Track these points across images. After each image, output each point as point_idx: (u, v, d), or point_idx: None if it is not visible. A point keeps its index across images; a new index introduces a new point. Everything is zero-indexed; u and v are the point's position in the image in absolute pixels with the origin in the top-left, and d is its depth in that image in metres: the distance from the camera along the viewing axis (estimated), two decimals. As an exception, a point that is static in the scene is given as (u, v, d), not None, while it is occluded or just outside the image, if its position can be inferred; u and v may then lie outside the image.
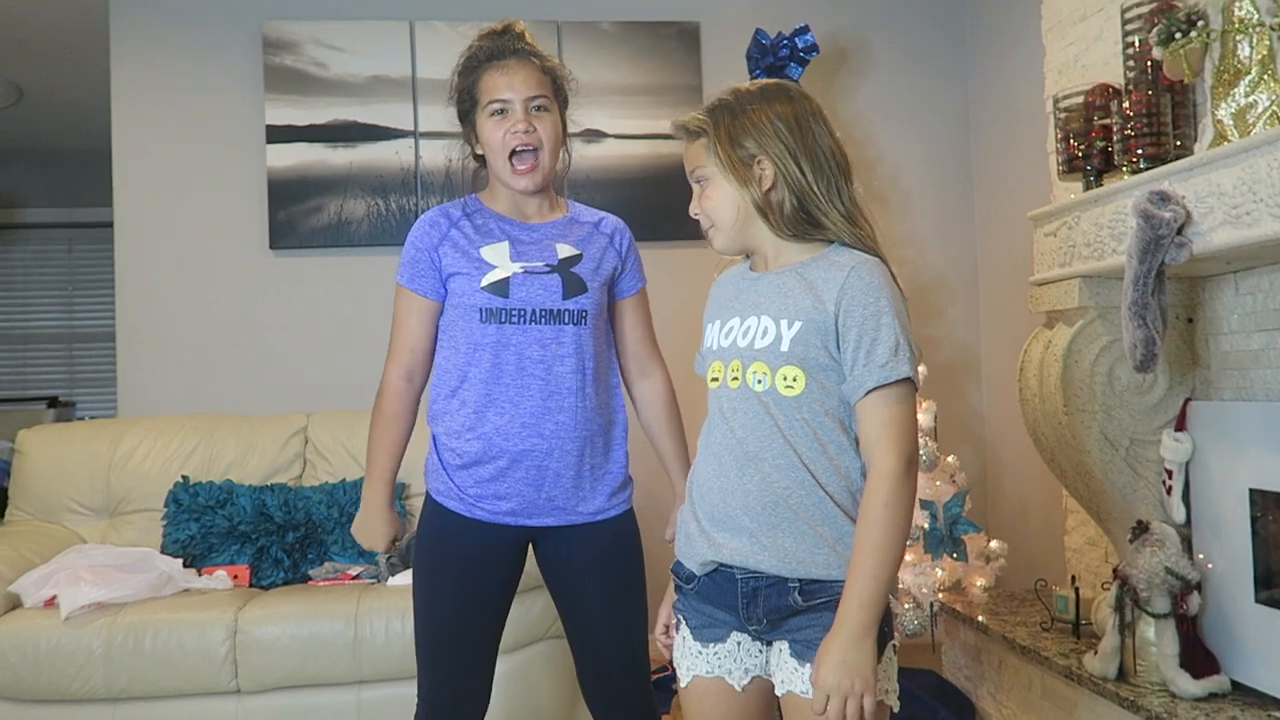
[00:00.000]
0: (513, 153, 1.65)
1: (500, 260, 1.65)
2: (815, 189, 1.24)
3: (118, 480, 2.88)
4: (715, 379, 1.30)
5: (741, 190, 1.26)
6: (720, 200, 1.29)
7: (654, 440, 1.82)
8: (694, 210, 1.33)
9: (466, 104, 1.71)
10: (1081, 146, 2.40)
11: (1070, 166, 2.45)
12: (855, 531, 1.17)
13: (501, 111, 1.65)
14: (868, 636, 1.12)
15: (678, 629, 1.34)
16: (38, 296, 5.76)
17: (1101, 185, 2.35)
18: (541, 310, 1.63)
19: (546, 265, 1.66)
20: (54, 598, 2.35)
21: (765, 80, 1.33)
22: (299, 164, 3.43)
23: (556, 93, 1.71)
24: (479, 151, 1.73)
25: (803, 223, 1.26)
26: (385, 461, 1.73)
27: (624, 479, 1.75)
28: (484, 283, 1.63)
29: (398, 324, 1.73)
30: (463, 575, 1.66)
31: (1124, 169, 2.23)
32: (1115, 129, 2.25)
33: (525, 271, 1.64)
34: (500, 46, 1.67)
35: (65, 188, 5.60)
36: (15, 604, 2.39)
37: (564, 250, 1.69)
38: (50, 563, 2.51)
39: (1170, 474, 2.26)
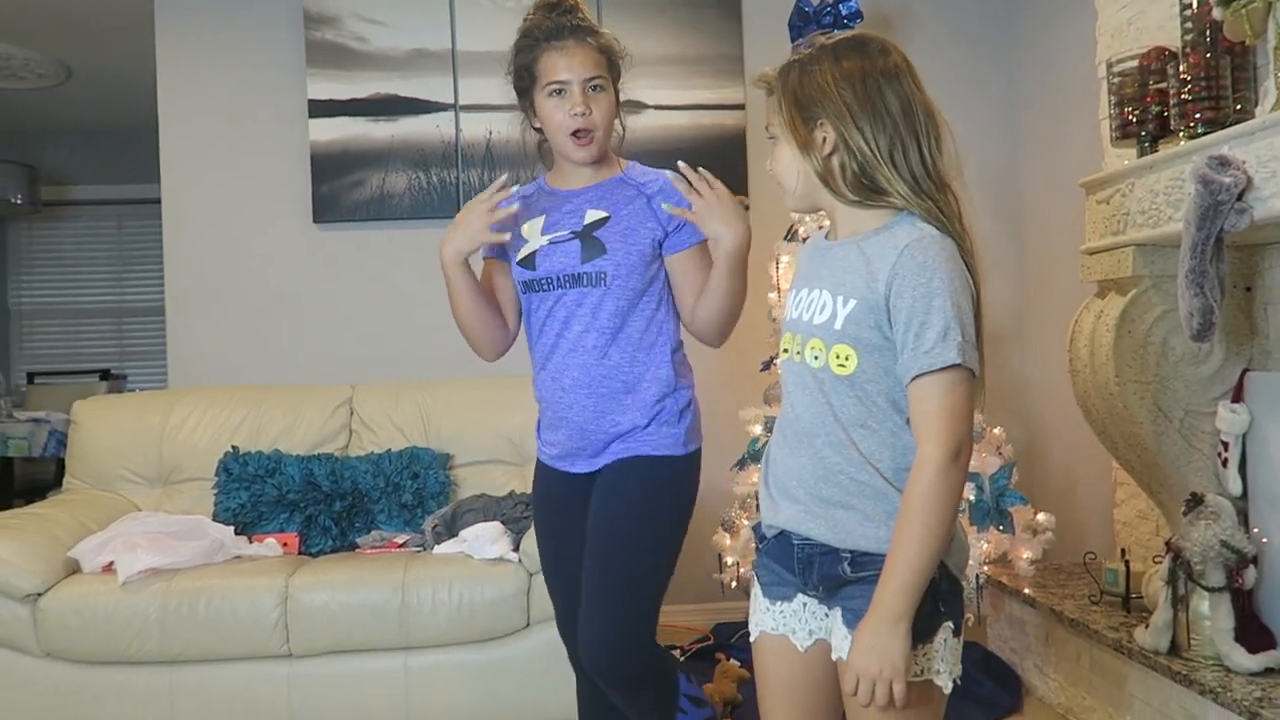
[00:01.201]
0: (573, 132, 1.72)
1: (533, 235, 1.76)
2: (878, 154, 1.19)
3: (170, 450, 2.94)
4: (785, 350, 1.29)
5: (803, 156, 1.23)
6: (785, 163, 1.26)
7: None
8: (768, 168, 1.31)
9: (525, 81, 1.77)
10: (1136, 112, 2.34)
11: (1124, 132, 2.39)
12: (897, 517, 1.16)
13: (560, 92, 1.71)
14: (900, 623, 1.12)
15: (753, 585, 1.35)
16: (89, 272, 5.88)
17: (1157, 151, 2.29)
18: (564, 276, 1.72)
19: (570, 232, 1.73)
20: (111, 563, 2.41)
21: (848, 33, 1.28)
22: (340, 138, 3.45)
23: (611, 68, 1.77)
24: (537, 125, 1.79)
25: (865, 189, 1.21)
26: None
27: (644, 424, 1.72)
28: (518, 258, 1.77)
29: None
30: (543, 519, 1.85)
31: (1181, 134, 2.17)
32: (1172, 93, 2.19)
33: (551, 242, 1.74)
34: (558, 25, 1.72)
35: (114, 165, 5.70)
36: (74, 569, 2.45)
37: (592, 215, 1.74)
38: (107, 530, 2.57)
39: (1226, 446, 2.22)
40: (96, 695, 2.33)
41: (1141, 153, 2.34)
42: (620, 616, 1.64)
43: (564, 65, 1.70)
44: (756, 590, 1.33)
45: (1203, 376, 2.33)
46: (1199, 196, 1.91)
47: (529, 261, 1.75)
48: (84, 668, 2.34)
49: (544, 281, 1.73)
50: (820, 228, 2.77)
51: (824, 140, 1.22)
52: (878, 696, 1.11)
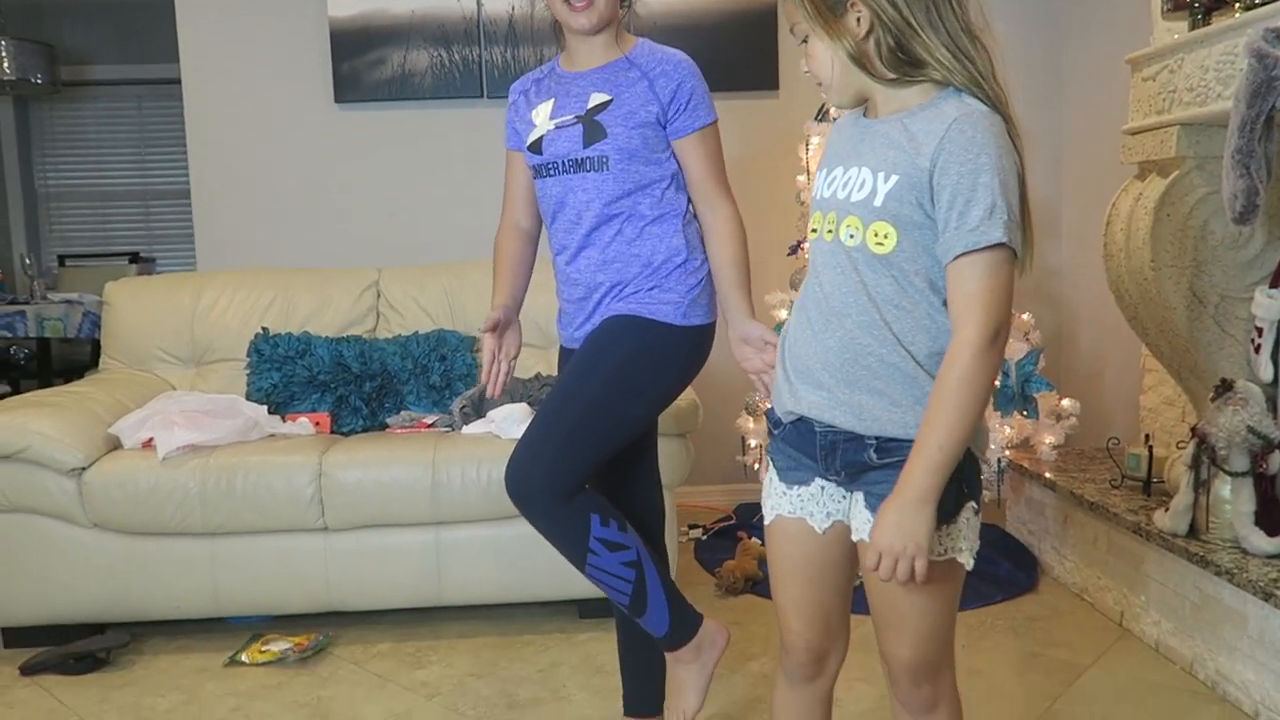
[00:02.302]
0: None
1: (541, 119, 1.77)
2: (913, 21, 1.13)
3: (201, 331, 2.98)
4: (814, 230, 1.25)
5: (834, 44, 1.18)
6: (820, 58, 1.21)
7: (714, 273, 1.78)
8: (804, 68, 1.26)
9: None
10: (1191, -20, 2.22)
11: (1175, 4, 2.28)
12: (929, 397, 1.15)
13: None
14: (926, 503, 1.12)
15: (767, 470, 1.36)
16: (112, 154, 5.84)
17: (1210, 24, 2.18)
18: (568, 160, 1.72)
19: (574, 116, 1.72)
20: (151, 440, 2.47)
21: None
22: (360, 13, 3.36)
23: None
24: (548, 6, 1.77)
25: (903, 64, 1.16)
26: (497, 291, 1.86)
27: (648, 288, 1.72)
28: (528, 143, 1.78)
29: (505, 180, 1.90)
30: None
31: (1237, 5, 2.06)
32: (1231, -41, 2.08)
33: (557, 127, 1.74)
34: None
35: (132, 43, 5.59)
36: (115, 445, 2.53)
37: (596, 98, 1.72)
38: (145, 407, 2.63)
39: (1260, 332, 2.19)
40: (144, 563, 2.43)
41: (1193, 25, 2.23)
42: (538, 443, 1.64)
43: None
44: (771, 475, 1.33)
45: (1242, 261, 2.28)
46: (1251, 71, 1.83)
47: (537, 146, 1.76)
48: (130, 538, 2.43)
49: (550, 166, 1.74)
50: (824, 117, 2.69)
51: (858, 20, 1.16)
52: (899, 573, 1.13)
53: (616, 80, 1.73)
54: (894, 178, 1.15)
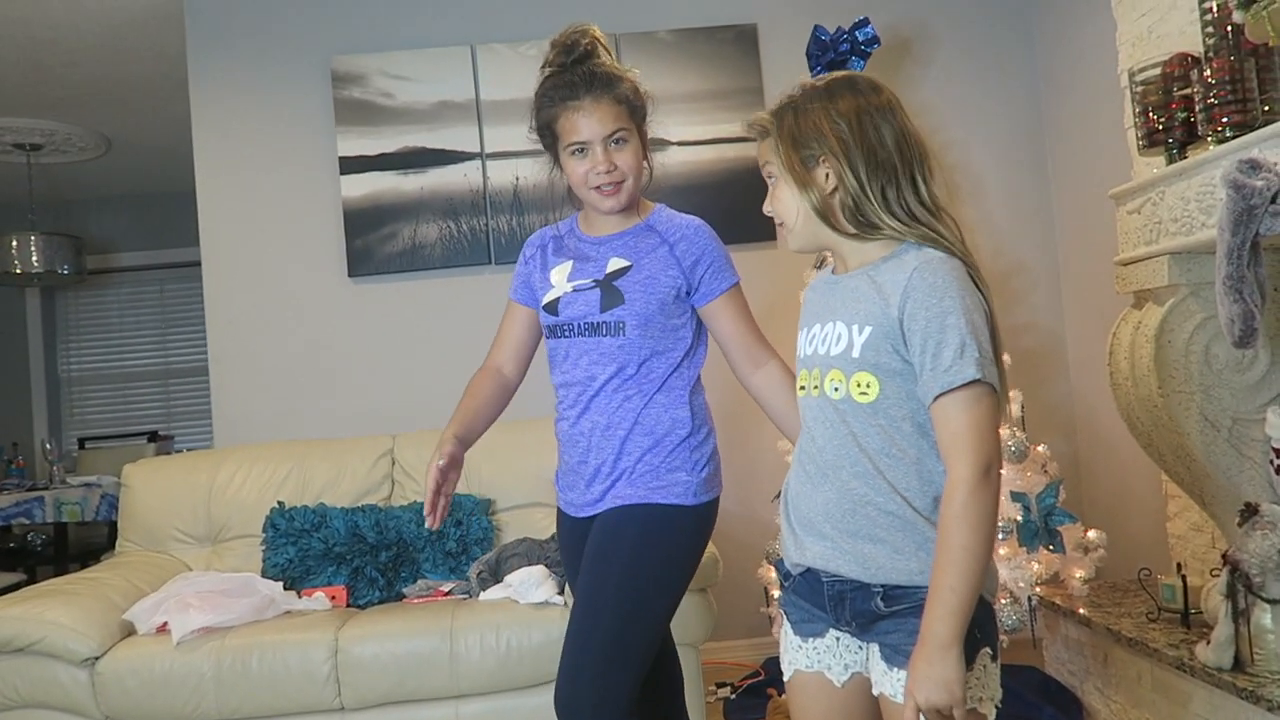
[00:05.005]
0: (597, 187, 1.71)
1: (559, 280, 1.76)
2: (868, 190, 1.21)
3: (218, 508, 2.98)
4: (802, 388, 1.29)
5: (801, 193, 1.25)
6: (785, 203, 1.29)
7: (787, 430, 1.72)
8: (767, 208, 1.33)
9: (548, 139, 1.76)
10: (1162, 119, 2.32)
11: (1151, 141, 2.37)
12: (936, 541, 1.15)
13: (582, 150, 1.70)
14: (952, 649, 1.10)
15: (782, 623, 1.34)
16: (134, 336, 6.02)
17: (1185, 158, 2.27)
18: (584, 324, 1.72)
19: (593, 281, 1.73)
20: (165, 624, 2.44)
21: (837, 74, 1.30)
22: (372, 193, 3.52)
23: (634, 115, 1.72)
24: (568, 181, 1.78)
25: (861, 225, 1.24)
26: (455, 419, 1.76)
27: (657, 465, 1.69)
28: (543, 302, 1.78)
29: (500, 326, 1.90)
30: (570, 569, 1.82)
31: (1209, 139, 2.14)
32: (1197, 98, 2.17)
33: (574, 290, 1.74)
34: (572, 82, 1.68)
35: (155, 231, 5.86)
36: (130, 631, 2.49)
37: (615, 264, 1.73)
38: (160, 591, 2.61)
39: (1278, 452, 2.16)
40: (155, 756, 2.35)
41: (1170, 160, 2.31)
42: (575, 665, 1.59)
43: (583, 126, 1.67)
44: (786, 628, 1.32)
45: (1249, 383, 2.28)
46: (1231, 201, 1.88)
47: (553, 307, 1.75)
48: (142, 729, 2.36)
49: (565, 328, 1.74)
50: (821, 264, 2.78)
51: (826, 176, 1.24)
52: None
53: (636, 246, 1.74)
54: (868, 329, 1.20)
